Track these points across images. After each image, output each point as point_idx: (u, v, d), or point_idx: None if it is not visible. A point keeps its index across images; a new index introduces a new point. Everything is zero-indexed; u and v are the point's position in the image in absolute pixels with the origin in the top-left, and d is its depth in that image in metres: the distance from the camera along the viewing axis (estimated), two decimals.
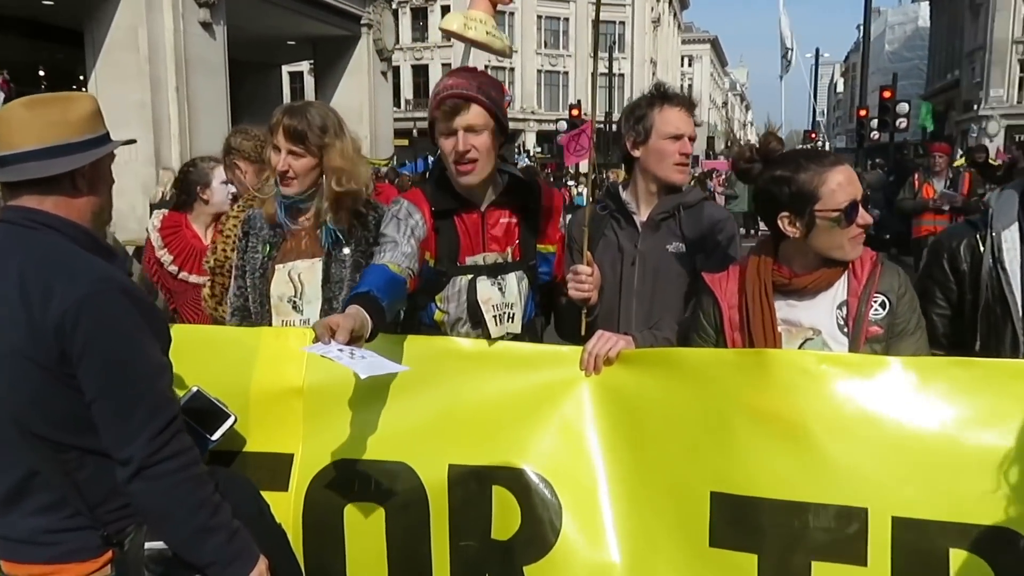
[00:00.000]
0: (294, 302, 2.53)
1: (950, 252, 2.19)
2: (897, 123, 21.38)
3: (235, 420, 2.13)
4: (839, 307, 2.01)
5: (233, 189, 3.49)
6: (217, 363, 2.24)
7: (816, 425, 1.86)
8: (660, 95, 2.59)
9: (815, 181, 1.91)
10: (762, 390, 1.93)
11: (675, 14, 68.52)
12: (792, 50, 55.93)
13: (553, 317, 2.65)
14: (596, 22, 2.42)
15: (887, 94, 21.81)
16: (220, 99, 14.94)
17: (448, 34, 2.59)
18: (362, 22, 20.10)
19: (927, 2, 64.87)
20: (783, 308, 2.04)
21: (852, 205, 1.90)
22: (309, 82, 29.84)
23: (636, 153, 2.61)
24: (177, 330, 2.12)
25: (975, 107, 47.27)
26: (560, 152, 33.23)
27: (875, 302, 1.98)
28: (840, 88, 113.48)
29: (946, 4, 57.79)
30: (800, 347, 2.02)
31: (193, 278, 3.48)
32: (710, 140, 67.85)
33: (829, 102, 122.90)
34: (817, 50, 57.28)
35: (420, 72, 49.28)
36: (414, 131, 33.05)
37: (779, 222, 1.98)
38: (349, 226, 2.51)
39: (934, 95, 49.57)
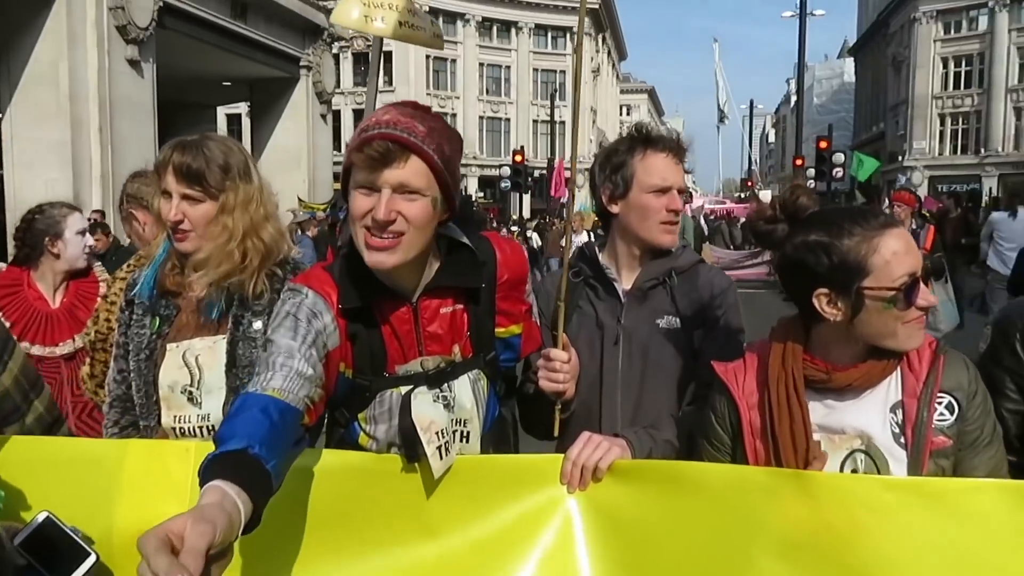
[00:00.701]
0: (190, 392, 1.98)
1: None
2: (834, 172, 21.83)
3: (96, 560, 1.56)
4: (892, 410, 1.57)
5: (91, 242, 2.95)
6: (69, 488, 1.66)
7: None
8: (642, 138, 2.15)
9: (863, 249, 1.49)
10: (804, 526, 1.47)
11: (613, 64, 70.07)
12: (726, 101, 57.91)
13: (517, 409, 2.14)
14: (578, 53, 1.93)
15: (823, 144, 22.30)
16: (148, 141, 14.19)
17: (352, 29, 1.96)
18: (301, 64, 19.66)
19: (851, 58, 68.03)
20: (818, 410, 1.60)
21: (912, 281, 1.48)
22: (248, 124, 29.13)
23: (614, 209, 2.16)
24: (12, 444, 1.56)
25: (900, 158, 49.28)
26: (503, 197, 33.12)
27: (939, 404, 1.55)
28: (772, 138, 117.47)
29: (870, 60, 60.66)
30: (844, 461, 1.58)
31: (36, 349, 2.89)
32: None
33: (761, 151, 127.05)
34: (751, 101, 59.40)
35: (362, 116, 48.56)
36: None
37: (814, 300, 1.54)
38: (255, 292, 1.99)
39: (861, 146, 51.51)
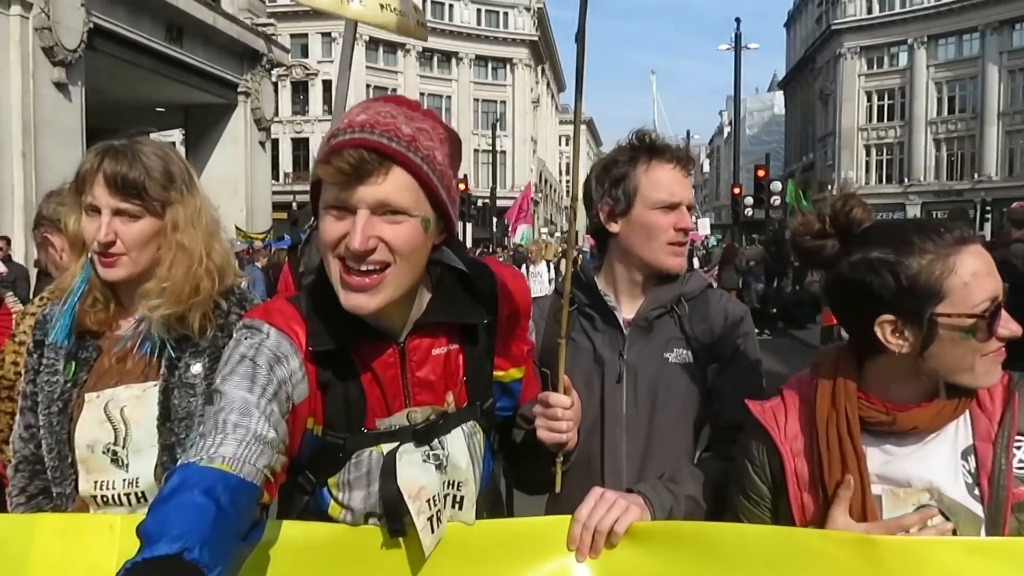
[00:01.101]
0: (114, 452, 1.63)
1: None
2: (772, 200, 22.26)
3: None
4: (964, 456, 1.35)
5: (3, 269, 2.58)
6: None
7: None
8: (646, 147, 1.89)
9: (937, 269, 1.26)
10: None
11: (552, 96, 71.03)
12: (657, 130, 59.31)
13: (503, 461, 1.79)
14: (580, 42, 1.67)
15: (761, 173, 22.76)
16: (75, 168, 13.46)
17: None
18: (239, 90, 19.17)
19: (781, 92, 70.51)
20: (876, 457, 1.37)
21: (995, 307, 1.26)
22: (183, 152, 28.12)
23: (613, 228, 1.91)
24: None
25: (829, 187, 50.93)
26: None
27: (1017, 448, 1.33)
28: (706, 168, 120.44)
29: (798, 94, 62.93)
30: None
31: None
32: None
33: (696, 181, 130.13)
34: (688, 132, 60.97)
35: (300, 145, 48.10)
36: (294, 204, 31.76)
37: (876, 329, 1.31)
38: (200, 328, 1.66)
39: (791, 176, 53.26)
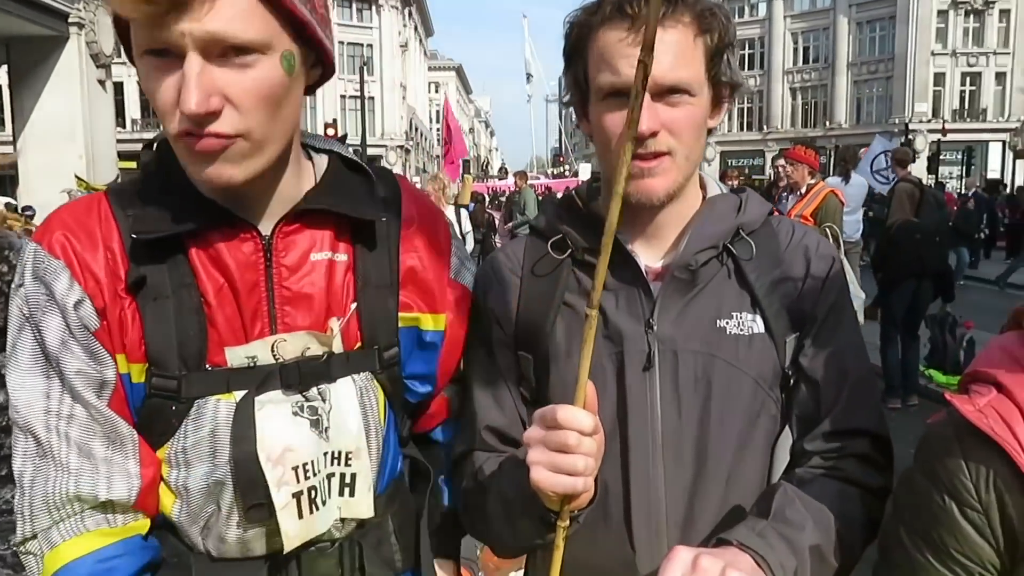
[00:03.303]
0: None
1: None
2: None
3: None
4: None
5: None
6: None
7: None
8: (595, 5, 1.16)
9: None
10: None
11: (420, 40, 68.62)
12: (532, 76, 59.30)
13: (446, 495, 1.26)
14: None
15: None
16: None
17: None
18: (71, 20, 16.91)
19: None
20: None
21: None
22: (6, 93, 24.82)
23: (587, 128, 1.28)
24: None
25: None
26: None
27: None
28: (575, 117, 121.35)
29: None
30: None
31: None
32: (465, 163, 69.05)
33: (565, 130, 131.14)
34: (560, 79, 60.95)
35: None
36: None
37: None
38: None
39: None
